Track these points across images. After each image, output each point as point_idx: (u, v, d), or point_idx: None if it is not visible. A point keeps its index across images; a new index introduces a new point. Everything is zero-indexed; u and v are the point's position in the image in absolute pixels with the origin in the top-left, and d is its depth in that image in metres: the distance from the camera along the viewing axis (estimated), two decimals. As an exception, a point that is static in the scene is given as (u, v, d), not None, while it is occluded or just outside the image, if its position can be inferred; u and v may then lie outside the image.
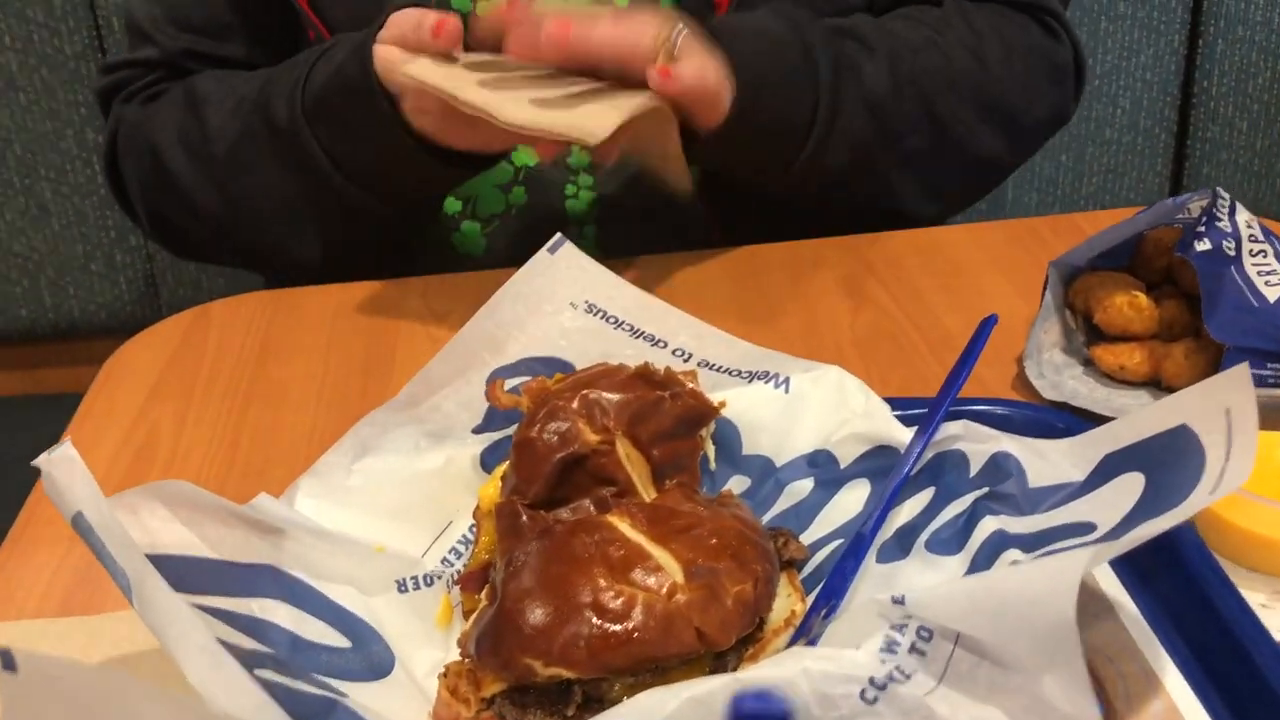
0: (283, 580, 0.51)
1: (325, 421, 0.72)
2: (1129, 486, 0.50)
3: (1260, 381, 0.63)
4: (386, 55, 0.77)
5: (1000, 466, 0.54)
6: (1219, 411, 0.48)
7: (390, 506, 0.56)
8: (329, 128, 0.82)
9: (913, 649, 0.44)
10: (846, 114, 0.85)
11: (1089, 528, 0.50)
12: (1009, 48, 0.91)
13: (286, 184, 0.85)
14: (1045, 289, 0.71)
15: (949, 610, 0.43)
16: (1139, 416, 0.52)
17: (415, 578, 0.53)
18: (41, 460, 0.46)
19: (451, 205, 0.93)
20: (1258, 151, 1.44)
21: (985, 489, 0.54)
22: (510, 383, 0.58)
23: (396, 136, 0.79)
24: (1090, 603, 0.55)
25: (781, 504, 0.59)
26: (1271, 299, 0.66)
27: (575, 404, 0.54)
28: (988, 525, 0.52)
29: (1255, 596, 0.56)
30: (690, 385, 0.58)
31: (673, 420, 0.56)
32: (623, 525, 0.50)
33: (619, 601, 0.46)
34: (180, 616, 0.41)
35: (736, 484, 0.60)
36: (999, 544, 0.51)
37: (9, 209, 1.43)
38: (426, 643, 0.52)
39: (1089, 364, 0.72)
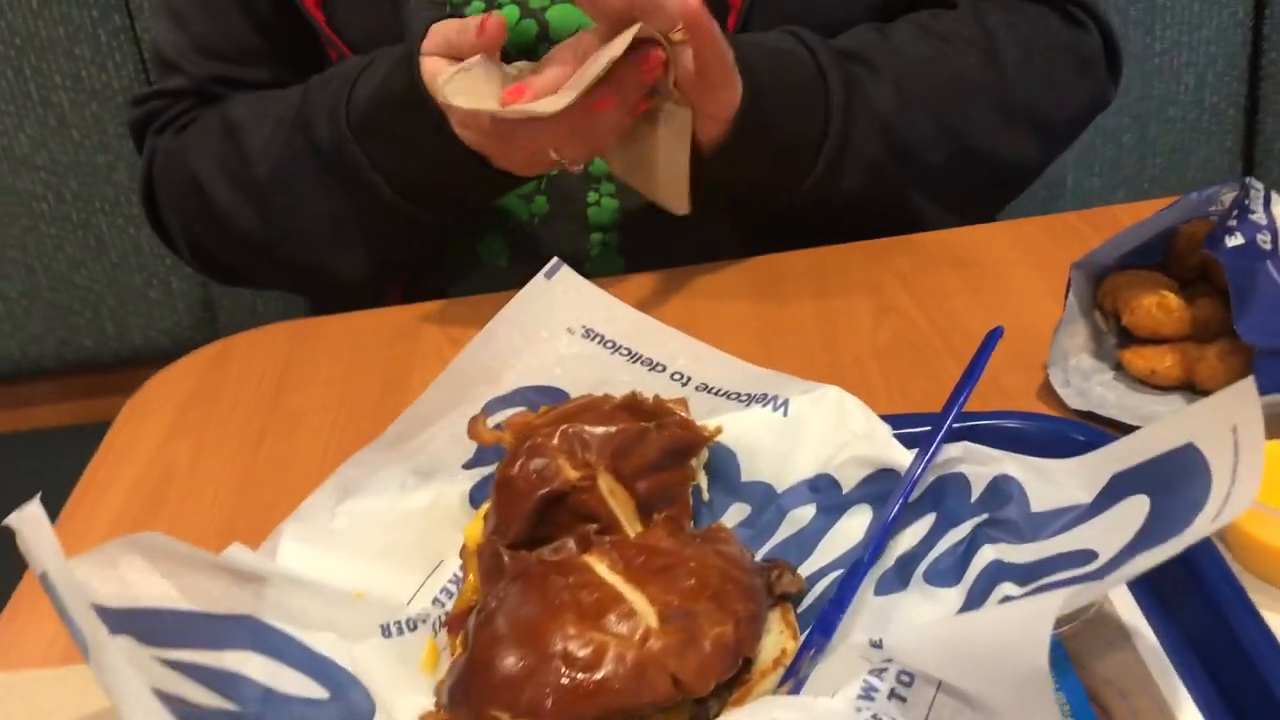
0: (259, 630, 0.50)
1: (337, 454, 0.70)
2: (1134, 511, 0.47)
3: (1298, 384, 0.59)
4: (432, 67, 0.77)
5: (1001, 490, 0.51)
6: (1226, 430, 0.44)
7: (377, 548, 0.55)
8: (378, 143, 0.82)
9: (892, 695, 0.42)
10: (859, 134, 0.83)
11: (1089, 556, 0.47)
12: (1026, 47, 0.88)
13: (333, 202, 0.85)
14: (1069, 290, 0.68)
15: (925, 655, 0.41)
16: (1147, 434, 0.49)
17: (399, 622, 0.52)
18: (11, 519, 0.46)
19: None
20: (1333, 123, 1.37)
21: (985, 515, 0.51)
22: (495, 418, 0.57)
23: (447, 147, 0.78)
24: (1105, 630, 0.52)
25: (783, 532, 0.57)
26: (1310, 295, 0.62)
27: (556, 439, 0.53)
28: (986, 555, 0.49)
29: (1287, 620, 0.52)
30: (680, 414, 0.56)
31: (659, 452, 0.54)
32: (600, 566, 0.49)
33: (589, 650, 0.45)
34: (129, 682, 0.40)
35: (736, 512, 0.58)
36: (994, 575, 0.48)
37: (69, 243, 1.46)
38: (411, 689, 0.51)
39: (1120, 368, 0.68)
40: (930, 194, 0.89)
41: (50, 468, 1.45)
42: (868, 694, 0.42)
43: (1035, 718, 0.38)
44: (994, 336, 0.57)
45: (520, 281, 0.64)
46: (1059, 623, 0.52)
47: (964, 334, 0.75)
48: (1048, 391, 0.68)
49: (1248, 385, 0.44)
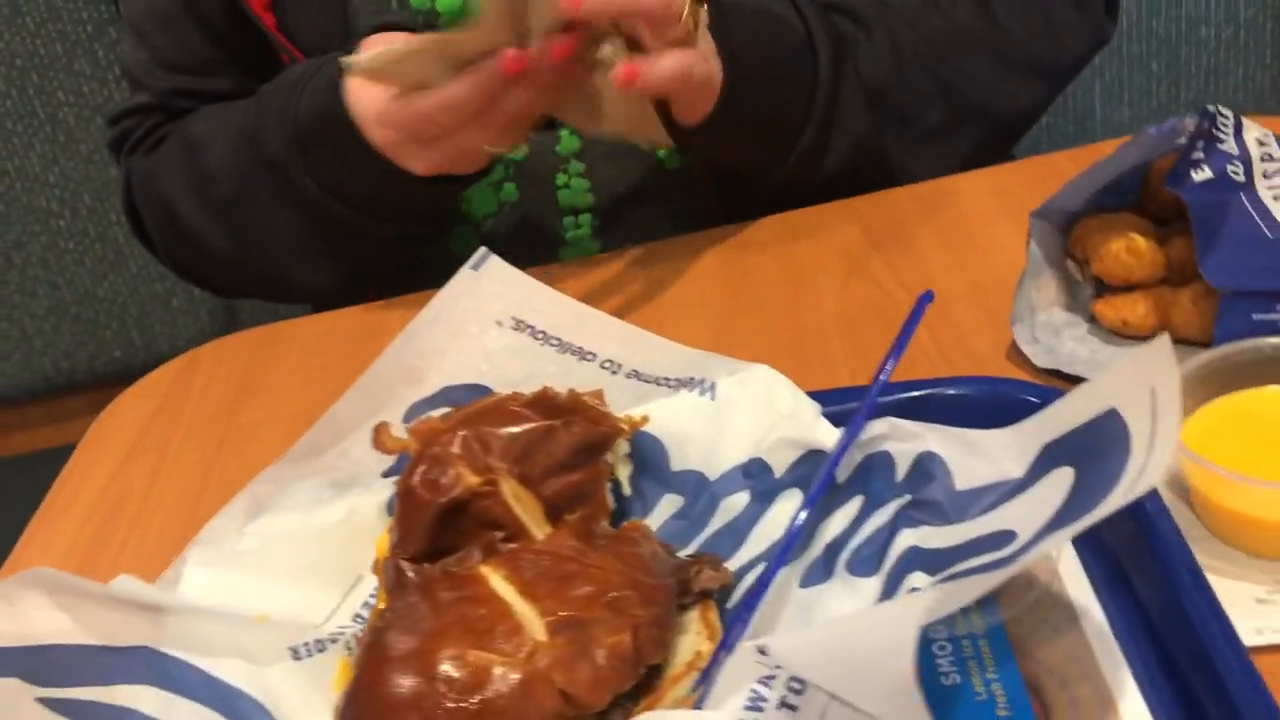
0: (157, 662, 0.49)
1: (289, 464, 0.70)
2: (1058, 484, 0.44)
3: (1271, 327, 0.55)
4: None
5: (925, 469, 0.48)
6: (1145, 392, 0.40)
7: (289, 567, 0.53)
8: (319, 157, 0.80)
9: (782, 704, 0.39)
10: (846, 110, 0.79)
11: (1009, 537, 0.43)
12: None
13: (290, 216, 0.84)
14: (1029, 241, 0.63)
15: (805, 661, 0.38)
16: (1074, 398, 0.45)
17: (309, 643, 0.50)
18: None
19: (444, 210, 0.90)
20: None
21: (908, 496, 0.47)
22: (407, 425, 0.55)
23: (378, 161, 0.76)
24: (1053, 614, 0.48)
25: (716, 522, 0.54)
26: (1289, 227, 0.57)
27: (456, 445, 0.50)
28: (904, 540, 0.46)
29: (1255, 589, 0.48)
30: (596, 407, 0.53)
31: (567, 450, 0.51)
32: (495, 578, 0.46)
33: (472, 670, 0.43)
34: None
35: (669, 504, 0.55)
36: (908, 564, 0.45)
37: (88, 256, 1.47)
38: (325, 711, 0.49)
39: (1095, 321, 0.64)
40: (928, 154, 0.85)
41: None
42: (755, 704, 0.39)
43: (912, 728, 0.34)
44: (922, 302, 0.53)
45: None
46: (1005, 606, 0.48)
47: (937, 295, 0.70)
48: (1020, 351, 0.63)
49: (1164, 343, 0.40)
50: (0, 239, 1.46)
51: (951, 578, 0.43)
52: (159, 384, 0.82)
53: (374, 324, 0.82)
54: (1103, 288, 0.64)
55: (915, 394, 0.54)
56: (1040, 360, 0.61)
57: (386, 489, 0.56)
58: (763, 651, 0.39)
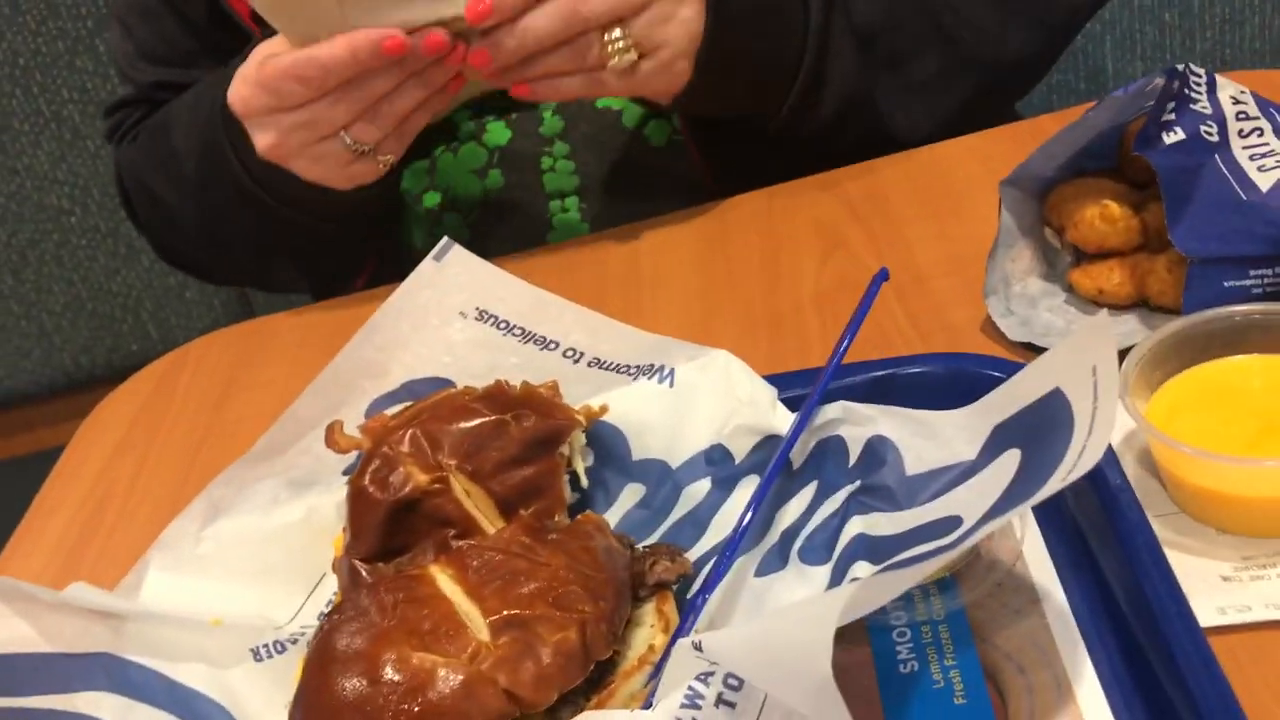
0: (116, 668, 0.49)
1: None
2: (1005, 468, 0.43)
3: (1244, 294, 0.53)
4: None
5: (876, 453, 0.47)
6: (1087, 372, 0.39)
7: (249, 569, 0.53)
8: (243, 150, 0.78)
9: (720, 701, 0.39)
10: (836, 50, 0.77)
11: (955, 523, 0.42)
12: None
13: (237, 207, 0.84)
14: (1001, 210, 0.62)
15: (736, 658, 0.37)
16: (1023, 378, 0.44)
17: (269, 644, 0.51)
18: None
19: (430, 199, 0.90)
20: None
21: (859, 482, 0.47)
22: (358, 423, 0.54)
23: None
24: (1014, 598, 0.47)
25: (679, 510, 0.53)
26: (1266, 186, 0.55)
27: (405, 443, 0.50)
28: (853, 527, 0.45)
29: (1221, 566, 0.47)
30: (549, 399, 0.52)
31: (519, 445, 0.50)
32: (442, 578, 0.46)
33: (414, 673, 0.42)
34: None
35: (631, 493, 0.54)
36: (854, 553, 0.44)
37: (101, 252, 1.49)
38: (286, 711, 0.49)
39: (1073, 290, 0.62)
40: (922, 105, 0.83)
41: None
42: (692, 702, 0.39)
43: (835, 727, 0.34)
44: (877, 281, 0.52)
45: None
46: (967, 590, 0.47)
47: (913, 270, 0.69)
48: (995, 325, 0.62)
49: (1103, 320, 0.39)
50: (14, 238, 1.47)
51: (891, 567, 0.42)
52: (146, 382, 0.83)
53: (360, 316, 0.81)
54: (1080, 256, 0.63)
55: (879, 374, 0.53)
56: (1014, 333, 0.60)
57: (345, 487, 0.55)
58: (698, 647, 0.39)
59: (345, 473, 0.56)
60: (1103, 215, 0.60)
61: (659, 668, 0.45)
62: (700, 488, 0.53)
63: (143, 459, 0.74)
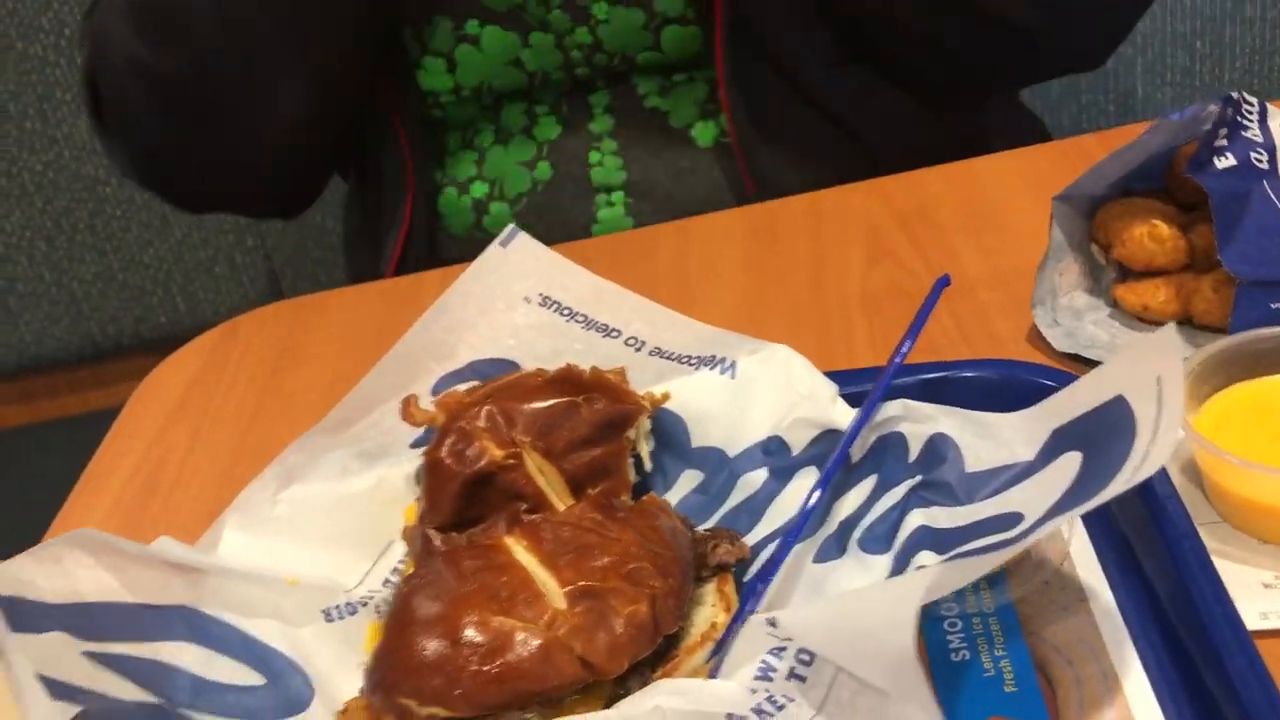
0: (197, 621, 0.51)
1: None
2: (1065, 469, 0.45)
3: (1291, 316, 0.55)
4: None
5: (937, 450, 0.49)
6: (1151, 381, 0.41)
7: (320, 534, 0.55)
8: None
9: (792, 674, 0.41)
10: None
11: (1016, 519, 0.44)
12: None
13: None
14: (1052, 224, 0.64)
15: (813, 633, 0.39)
16: (1084, 384, 0.46)
17: (340, 606, 0.53)
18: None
19: (478, 189, 0.92)
20: None
21: (919, 477, 0.49)
22: (432, 398, 0.56)
23: None
24: (1061, 595, 0.49)
25: (735, 497, 0.55)
26: (1313, 215, 0.57)
27: (481, 419, 0.52)
28: (914, 520, 0.47)
29: (1262, 574, 0.49)
30: (617, 384, 0.54)
31: (589, 426, 0.53)
32: (518, 548, 0.48)
33: (494, 635, 0.44)
34: (29, 685, 0.41)
35: (688, 479, 0.56)
36: (917, 543, 0.46)
37: (134, 223, 1.50)
38: (355, 673, 0.51)
39: (1118, 305, 0.64)
40: None
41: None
42: (765, 674, 0.41)
43: (910, 699, 0.36)
44: (939, 287, 0.54)
45: None
46: (1016, 585, 0.49)
47: (961, 278, 0.71)
48: (1040, 334, 0.64)
49: (1169, 332, 0.41)
50: (50, 205, 1.49)
51: (957, 557, 0.44)
52: (198, 352, 0.84)
53: (408, 296, 0.84)
54: (1125, 272, 0.65)
55: (932, 376, 0.55)
56: (1060, 344, 0.62)
57: (415, 460, 0.57)
58: (773, 624, 0.41)
59: (413, 446, 0.58)
60: (1151, 234, 0.62)
61: (721, 645, 0.47)
62: (756, 477, 0.55)
63: (198, 427, 0.76)
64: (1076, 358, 0.61)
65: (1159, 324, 0.62)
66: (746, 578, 0.52)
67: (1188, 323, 0.62)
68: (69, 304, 1.54)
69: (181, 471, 0.72)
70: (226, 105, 0.86)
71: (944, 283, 0.54)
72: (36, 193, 1.47)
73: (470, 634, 0.44)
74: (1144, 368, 0.42)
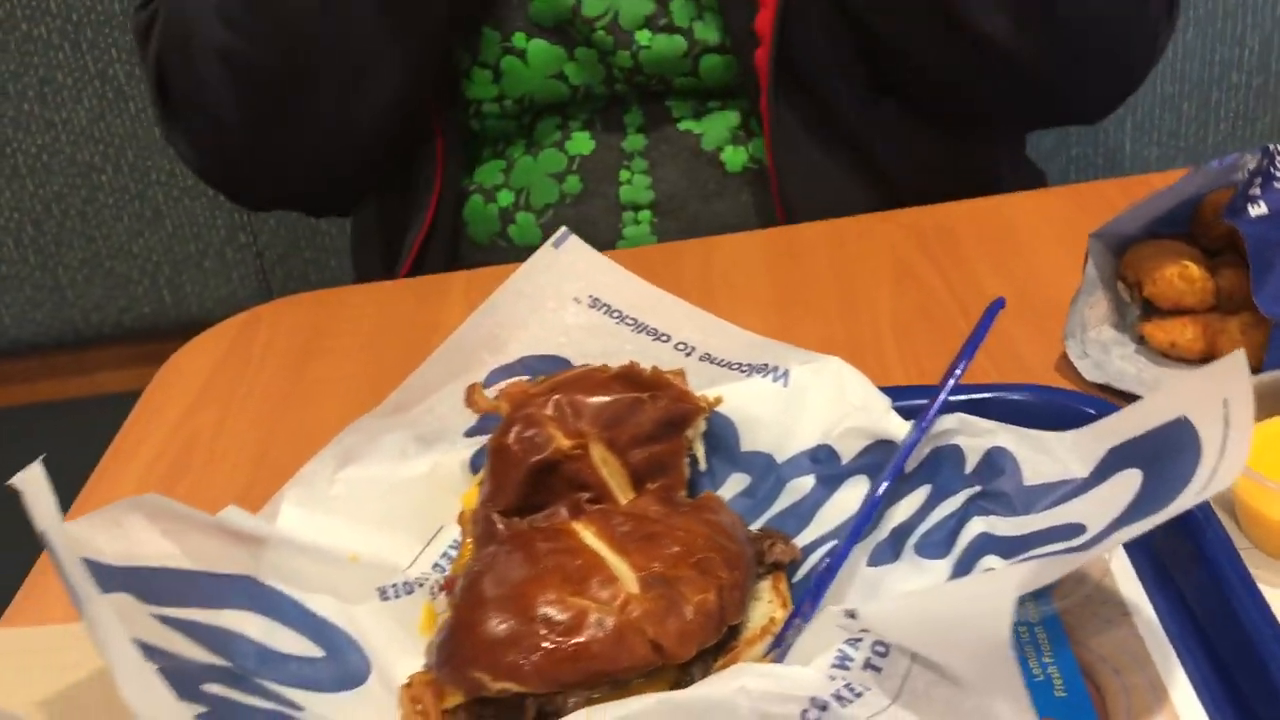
0: (258, 591, 0.51)
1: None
2: (1126, 484, 0.47)
3: (1318, 358, 0.58)
4: None
5: (995, 463, 0.51)
6: (1217, 403, 0.44)
7: (375, 515, 0.56)
8: None
9: (867, 664, 0.42)
10: None
11: (1078, 529, 0.46)
12: None
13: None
14: (1087, 260, 0.66)
15: (896, 626, 0.41)
16: (1142, 406, 0.48)
17: (396, 585, 0.53)
18: (15, 479, 0.47)
19: (505, 197, 0.93)
20: (1399, 89, 1.33)
21: (978, 487, 0.50)
22: (498, 386, 0.58)
23: None
24: (1105, 608, 0.51)
25: (782, 502, 0.56)
26: (1339, 266, 0.60)
27: (549, 408, 0.53)
28: (975, 527, 0.49)
29: (1293, 599, 0.51)
30: (677, 384, 0.56)
31: (653, 423, 0.54)
32: (586, 534, 0.49)
33: (569, 614, 0.45)
34: (115, 639, 0.42)
35: (736, 482, 0.58)
36: (981, 548, 0.48)
37: (126, 213, 1.50)
38: (408, 650, 0.52)
39: (1142, 341, 0.67)
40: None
41: (112, 432, 1.50)
42: (842, 663, 0.42)
43: (999, 690, 0.37)
44: (994, 308, 0.56)
45: None
46: (1059, 597, 0.51)
47: (984, 304, 0.73)
48: (1066, 364, 0.66)
49: (1239, 358, 0.43)
50: (42, 189, 1.48)
51: (1026, 561, 0.46)
52: (220, 339, 0.85)
53: (432, 294, 0.85)
54: (1150, 310, 0.67)
55: (979, 396, 0.57)
56: (1090, 375, 0.64)
57: (469, 447, 0.58)
58: (851, 615, 0.42)
59: (467, 434, 0.59)
60: (1182, 274, 0.65)
61: (780, 639, 0.49)
62: (804, 483, 0.56)
63: (224, 412, 0.76)
64: (1105, 388, 0.64)
65: (1184, 361, 0.65)
66: (795, 579, 0.53)
67: (1211, 361, 0.64)
68: (52, 289, 1.53)
69: (211, 454, 0.72)
70: (315, 98, 0.86)
71: (999, 305, 0.56)
72: (29, 175, 1.46)
73: (545, 612, 0.45)
74: (1209, 391, 0.44)
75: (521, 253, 0.92)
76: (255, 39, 0.84)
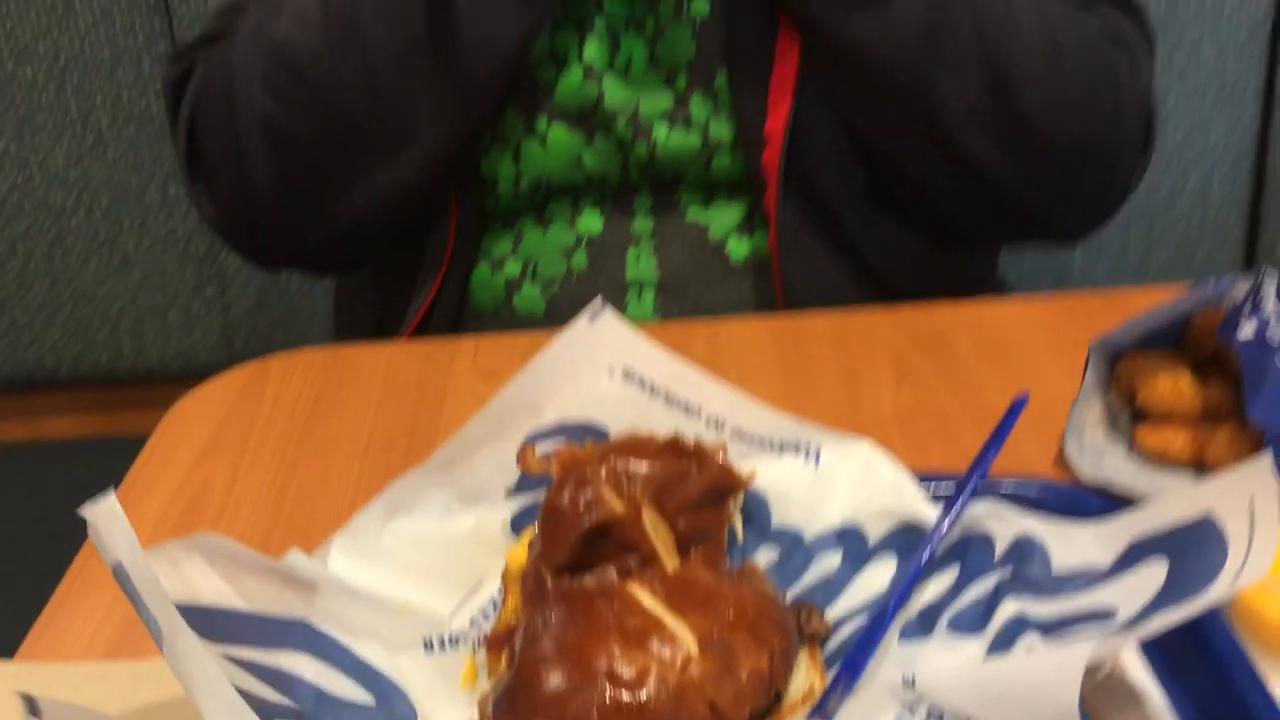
0: (312, 635, 0.52)
1: (369, 481, 0.73)
2: (1153, 573, 0.50)
3: (1304, 470, 0.62)
4: None
5: (1024, 549, 0.54)
6: (1243, 502, 0.47)
7: (421, 567, 0.57)
8: None
9: (923, 731, 0.44)
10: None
11: (1110, 614, 0.49)
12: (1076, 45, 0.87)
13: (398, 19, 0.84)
14: (1086, 368, 0.71)
15: (958, 693, 0.43)
16: (1165, 503, 0.52)
17: (441, 637, 0.54)
18: (86, 510, 0.48)
19: (512, 268, 0.95)
20: (1332, 230, 1.42)
21: (1008, 571, 0.54)
22: (541, 448, 0.60)
23: None
24: (1116, 693, 0.54)
25: (809, 577, 0.59)
26: (1318, 384, 0.65)
27: (603, 472, 0.55)
28: (1009, 607, 0.52)
29: (1289, 693, 0.55)
30: (720, 457, 0.58)
31: (699, 492, 0.56)
32: (642, 595, 0.51)
33: (632, 671, 0.47)
34: (207, 669, 0.43)
35: (765, 555, 0.60)
36: (1019, 627, 0.50)
37: (94, 258, 1.48)
38: (451, 703, 0.53)
39: (1132, 445, 0.71)
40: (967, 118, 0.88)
41: (59, 479, 1.47)
42: (899, 726, 0.44)
43: (1063, 757, 0.40)
44: (1019, 404, 0.60)
45: (553, 333, 0.67)
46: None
47: (982, 403, 0.78)
48: (1062, 461, 0.70)
49: (1266, 461, 0.47)
50: (8, 228, 1.46)
51: (1064, 640, 0.48)
52: (228, 388, 0.85)
53: (442, 357, 0.87)
54: (1140, 417, 0.72)
55: (1005, 487, 0.61)
56: (1087, 473, 0.68)
57: (510, 507, 0.60)
58: (909, 682, 0.44)
59: (509, 494, 0.61)
60: (1174, 385, 0.69)
61: (821, 707, 0.51)
62: (832, 560, 0.59)
63: (236, 462, 0.77)
64: (1103, 490, 0.68)
65: (1174, 467, 0.69)
66: (826, 651, 0.55)
67: (1198, 467, 0.69)
68: (7, 330, 1.50)
69: (225, 503, 0.73)
70: (352, 170, 0.88)
71: (1023, 402, 0.60)
72: (-3, 214, 1.45)
73: (609, 667, 0.47)
74: (1235, 490, 0.48)
75: (524, 322, 0.95)
76: (301, 110, 0.86)
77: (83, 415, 1.59)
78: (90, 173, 1.45)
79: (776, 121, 0.89)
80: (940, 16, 0.83)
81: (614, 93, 0.90)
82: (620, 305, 0.94)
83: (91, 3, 1.39)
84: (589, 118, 0.90)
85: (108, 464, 1.38)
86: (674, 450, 0.57)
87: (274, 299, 1.51)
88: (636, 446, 0.57)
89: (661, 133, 0.90)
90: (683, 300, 0.94)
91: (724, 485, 0.57)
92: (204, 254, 1.49)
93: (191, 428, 0.81)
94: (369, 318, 1.04)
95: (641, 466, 0.56)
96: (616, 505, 0.54)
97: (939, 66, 0.84)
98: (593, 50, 0.90)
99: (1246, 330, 0.67)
